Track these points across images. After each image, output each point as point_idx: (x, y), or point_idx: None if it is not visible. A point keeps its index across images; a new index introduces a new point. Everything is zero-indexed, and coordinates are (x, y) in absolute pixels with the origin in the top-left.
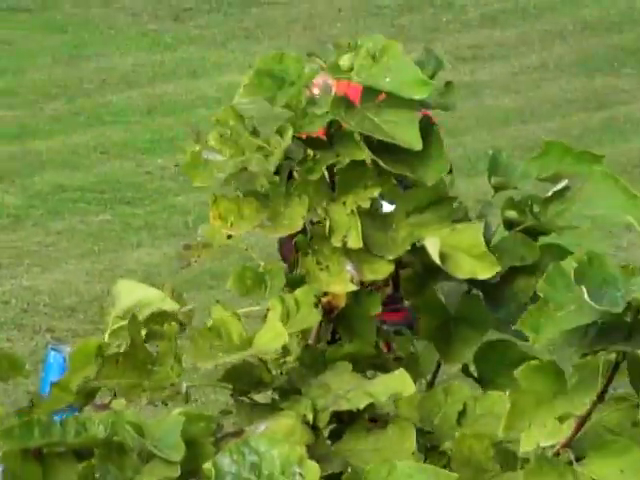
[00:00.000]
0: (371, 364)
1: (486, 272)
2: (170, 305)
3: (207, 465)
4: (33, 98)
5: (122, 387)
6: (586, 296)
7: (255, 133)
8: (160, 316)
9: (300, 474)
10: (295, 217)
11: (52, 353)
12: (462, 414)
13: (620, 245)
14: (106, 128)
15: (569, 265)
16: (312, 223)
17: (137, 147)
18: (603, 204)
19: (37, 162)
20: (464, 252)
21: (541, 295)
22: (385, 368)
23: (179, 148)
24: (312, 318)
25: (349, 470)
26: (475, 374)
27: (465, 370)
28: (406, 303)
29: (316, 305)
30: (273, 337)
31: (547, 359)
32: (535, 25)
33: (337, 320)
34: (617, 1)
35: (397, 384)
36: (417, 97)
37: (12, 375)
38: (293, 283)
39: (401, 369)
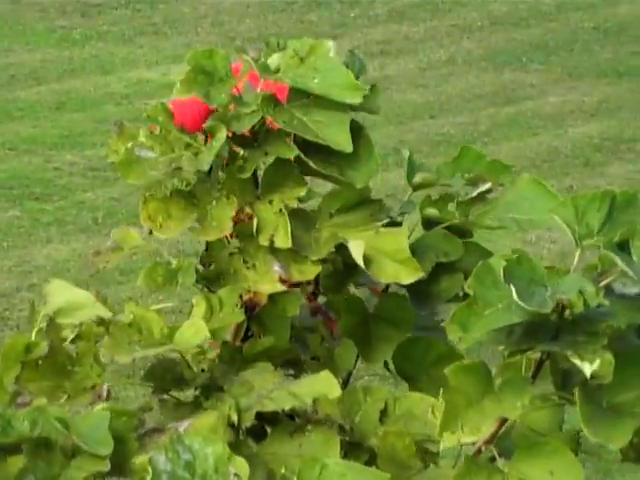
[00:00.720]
0: (286, 362)
1: (409, 277)
2: (101, 310)
3: (141, 462)
4: None
5: (43, 390)
6: (515, 295)
7: (183, 130)
8: (90, 322)
9: (235, 474)
10: (223, 218)
11: None
12: (384, 413)
13: (527, 240)
14: (14, 124)
15: (498, 263)
16: (239, 221)
17: (46, 143)
18: (528, 207)
19: None
20: (388, 257)
21: (470, 292)
22: (300, 367)
23: (89, 144)
24: (235, 316)
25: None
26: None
27: (387, 366)
28: (322, 300)
29: (238, 304)
30: (195, 333)
31: (477, 359)
32: (443, 20)
33: (253, 318)
34: None
35: (323, 386)
36: (349, 101)
37: None
38: (208, 280)
39: (326, 371)
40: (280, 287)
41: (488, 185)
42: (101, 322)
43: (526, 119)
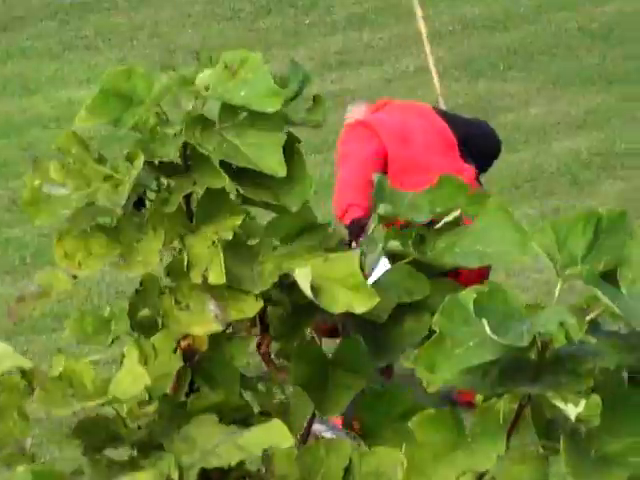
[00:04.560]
0: (235, 418)
1: (363, 305)
2: (21, 361)
3: None
4: None
5: None
6: (488, 329)
7: (101, 160)
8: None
9: None
10: (150, 253)
11: None
12: (348, 471)
13: (510, 270)
14: None
15: (468, 297)
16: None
17: None
18: (495, 240)
19: None
20: (339, 283)
21: (437, 330)
22: (249, 423)
23: (13, 174)
24: (172, 365)
25: None
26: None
27: (346, 422)
28: (273, 347)
29: (175, 350)
30: (132, 381)
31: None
32: (410, 25)
33: (196, 367)
34: None
35: (272, 436)
36: (269, 109)
37: None
38: (142, 326)
39: (276, 419)
40: (217, 327)
41: (456, 214)
42: (24, 374)
43: (505, 133)
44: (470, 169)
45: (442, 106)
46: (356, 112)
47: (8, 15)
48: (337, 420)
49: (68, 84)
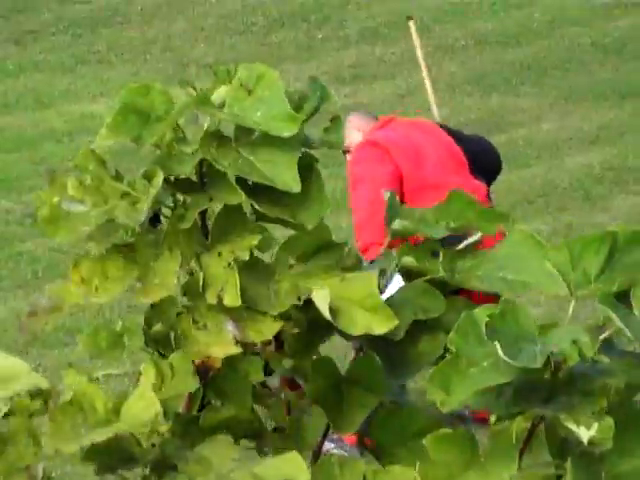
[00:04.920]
0: (248, 433)
1: (383, 326)
2: (38, 380)
3: None
4: None
5: None
6: (500, 352)
7: (118, 177)
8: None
9: None
10: (167, 274)
11: None
12: None
13: (537, 300)
14: None
15: (483, 316)
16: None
17: None
18: (521, 266)
19: None
20: (357, 305)
21: (452, 349)
22: (263, 438)
23: (26, 188)
24: (188, 385)
25: None
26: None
27: (360, 441)
28: (287, 363)
29: (192, 371)
30: (144, 407)
31: (458, 427)
32: (423, 40)
33: (209, 384)
34: (513, 12)
35: (289, 468)
36: (286, 134)
37: None
38: (156, 342)
39: (294, 452)
40: (235, 349)
41: (477, 237)
42: (37, 395)
43: (518, 149)
44: (482, 186)
45: (436, 119)
46: (354, 122)
47: (21, 29)
48: (350, 438)
49: (81, 98)
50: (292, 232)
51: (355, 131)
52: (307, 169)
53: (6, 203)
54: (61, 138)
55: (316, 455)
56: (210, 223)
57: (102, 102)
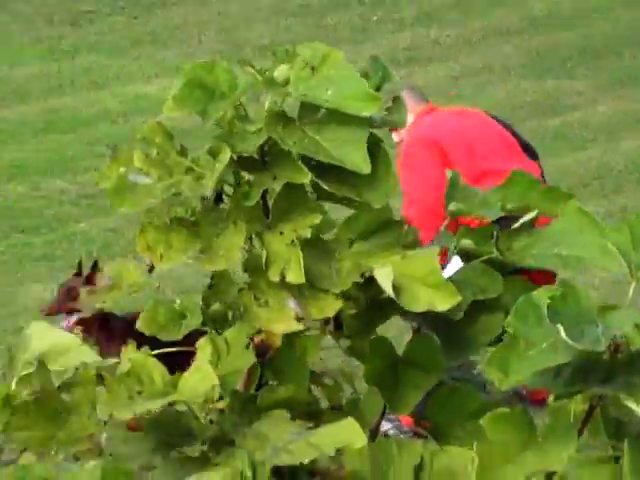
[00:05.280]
0: (305, 413)
1: (446, 303)
2: (88, 355)
3: None
4: None
5: (34, 439)
6: (564, 335)
7: (183, 152)
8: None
9: None
10: (231, 247)
11: None
12: (419, 468)
13: (592, 283)
14: None
15: (541, 298)
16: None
17: (32, 168)
18: (575, 242)
19: None
20: (419, 282)
21: (510, 331)
22: (319, 418)
23: (81, 169)
24: (244, 360)
25: None
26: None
27: (417, 421)
28: (343, 343)
29: (248, 346)
30: (200, 379)
31: (515, 407)
32: (478, 22)
33: (266, 363)
34: None
35: (345, 435)
36: (365, 114)
37: None
38: (215, 320)
39: (349, 418)
40: (297, 326)
41: (533, 215)
42: (91, 368)
43: (573, 131)
44: (538, 168)
45: None
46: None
47: (77, 10)
48: (405, 418)
49: (136, 79)
50: (345, 213)
51: None
52: (374, 149)
53: (61, 183)
54: (116, 119)
55: (373, 435)
56: (270, 201)
57: (156, 83)
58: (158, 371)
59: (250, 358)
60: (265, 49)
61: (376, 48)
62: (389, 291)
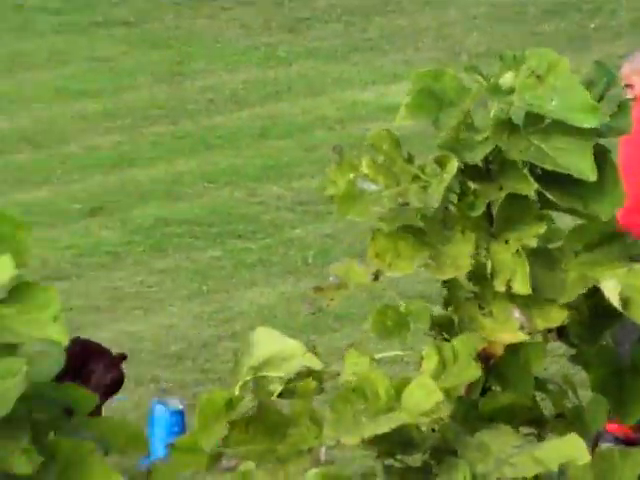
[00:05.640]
0: (527, 420)
1: None
2: (312, 362)
3: None
4: (132, 122)
5: (253, 453)
6: None
7: (410, 160)
8: (301, 374)
9: None
10: (460, 256)
11: (157, 406)
12: None
13: None
14: (213, 154)
15: None
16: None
17: (248, 174)
18: None
19: (137, 193)
20: None
21: None
22: (542, 426)
23: (296, 175)
24: (471, 372)
25: None
26: None
27: (636, 428)
28: (568, 352)
29: (474, 357)
30: (425, 395)
31: None
32: None
33: (491, 370)
34: None
35: (569, 450)
36: (586, 125)
37: (131, 449)
38: (442, 326)
39: (574, 434)
40: (522, 337)
41: None
42: (315, 375)
43: None
44: None
45: None
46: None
47: (294, 17)
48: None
49: (353, 86)
50: (566, 220)
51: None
52: (601, 159)
53: (277, 189)
54: (333, 125)
55: (595, 443)
56: (494, 210)
57: (373, 90)
58: (382, 384)
59: (476, 371)
60: (481, 56)
61: (593, 56)
62: (616, 303)
